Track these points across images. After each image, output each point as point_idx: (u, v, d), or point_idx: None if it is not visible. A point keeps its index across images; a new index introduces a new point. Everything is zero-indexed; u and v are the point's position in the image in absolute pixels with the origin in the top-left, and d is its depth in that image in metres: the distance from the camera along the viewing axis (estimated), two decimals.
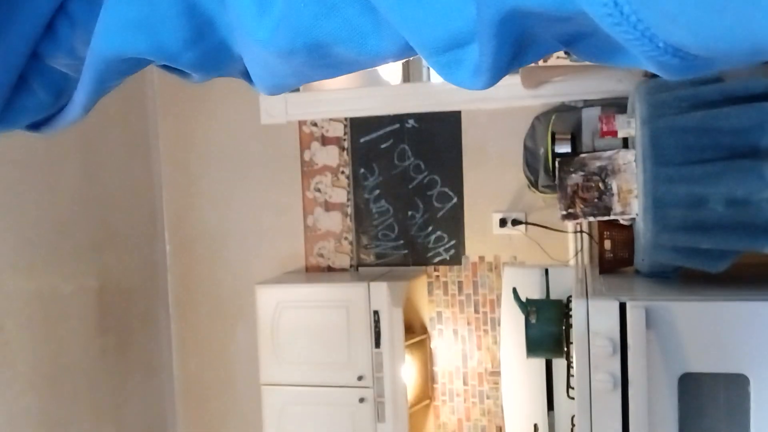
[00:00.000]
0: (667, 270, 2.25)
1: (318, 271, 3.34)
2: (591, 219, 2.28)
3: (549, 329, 2.50)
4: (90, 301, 3.08)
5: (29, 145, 2.81)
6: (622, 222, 2.33)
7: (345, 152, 3.28)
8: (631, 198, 2.17)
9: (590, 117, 2.42)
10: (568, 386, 2.54)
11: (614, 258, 2.45)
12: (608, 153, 2.23)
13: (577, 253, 2.83)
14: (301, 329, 2.93)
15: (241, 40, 0.57)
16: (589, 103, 2.78)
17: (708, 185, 1.97)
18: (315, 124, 3.29)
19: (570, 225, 2.80)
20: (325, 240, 3.33)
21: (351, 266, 3.31)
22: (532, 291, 2.77)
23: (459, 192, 3.15)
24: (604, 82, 2.77)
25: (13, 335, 2.71)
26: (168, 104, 3.49)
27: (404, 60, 0.55)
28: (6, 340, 2.68)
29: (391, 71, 5.74)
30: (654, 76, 2.27)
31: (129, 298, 3.31)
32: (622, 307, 1.99)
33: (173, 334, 3.55)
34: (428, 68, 6.73)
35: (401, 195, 3.22)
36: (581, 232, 2.80)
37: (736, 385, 1.94)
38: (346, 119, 3.26)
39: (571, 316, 2.24)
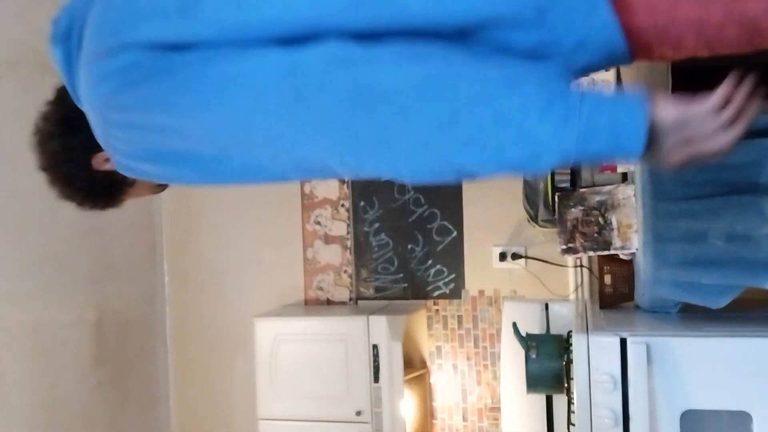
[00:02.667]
0: (668, 305, 2.24)
1: (317, 304, 3.33)
2: (591, 253, 2.28)
3: (549, 364, 2.48)
4: (87, 332, 3.06)
5: (29, 176, 2.82)
6: (622, 257, 2.32)
7: (345, 185, 3.28)
8: (630, 233, 2.17)
9: None
10: (569, 422, 2.51)
11: (614, 293, 2.44)
12: (608, 188, 2.23)
13: (577, 288, 2.82)
14: (299, 363, 2.91)
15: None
16: None
17: (708, 220, 1.97)
18: None
19: (570, 259, 2.79)
20: (325, 273, 3.32)
21: (350, 299, 3.30)
22: (532, 326, 2.75)
23: (459, 226, 3.15)
24: None
25: (10, 367, 2.69)
26: None
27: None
28: (2, 371, 2.66)
29: None
30: None
31: (127, 330, 3.29)
32: (623, 343, 1.98)
33: (171, 367, 3.53)
34: None
35: (401, 228, 3.22)
36: (581, 266, 2.79)
37: (738, 423, 1.92)
38: None
39: (571, 351, 2.22)
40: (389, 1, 0.89)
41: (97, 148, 1.15)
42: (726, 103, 0.86)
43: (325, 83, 0.86)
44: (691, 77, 2.43)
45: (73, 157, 1.20)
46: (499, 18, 0.88)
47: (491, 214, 3.09)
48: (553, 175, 2.53)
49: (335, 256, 3.31)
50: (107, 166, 1.18)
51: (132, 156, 1.08)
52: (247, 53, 0.92)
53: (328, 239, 3.33)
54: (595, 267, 2.63)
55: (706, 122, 0.85)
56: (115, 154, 1.11)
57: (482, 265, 3.12)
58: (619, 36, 0.89)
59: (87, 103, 1.09)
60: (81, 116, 1.13)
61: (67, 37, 1.11)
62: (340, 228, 3.30)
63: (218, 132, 0.97)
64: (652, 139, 0.82)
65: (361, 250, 3.28)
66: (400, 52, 0.87)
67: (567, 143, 0.80)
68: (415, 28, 0.89)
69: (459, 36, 0.89)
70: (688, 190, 2.01)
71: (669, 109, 0.83)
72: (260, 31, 0.93)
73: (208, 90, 0.94)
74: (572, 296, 2.84)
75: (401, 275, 3.23)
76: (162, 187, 1.29)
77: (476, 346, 3.13)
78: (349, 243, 3.29)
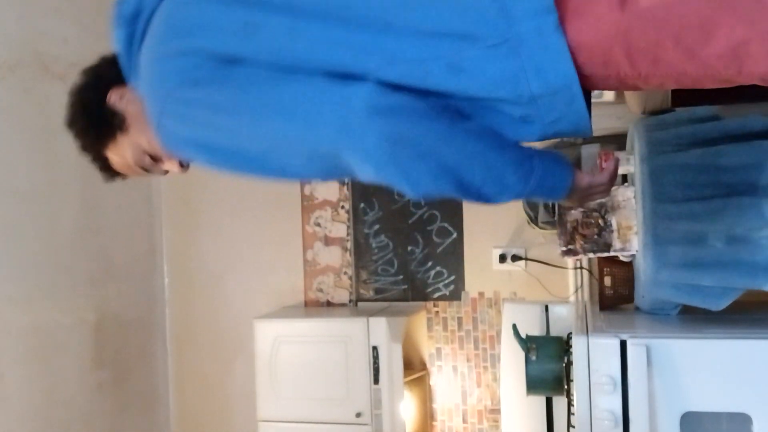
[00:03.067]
0: (668, 307, 2.24)
1: (317, 306, 3.33)
2: (591, 255, 2.28)
3: (549, 366, 2.48)
4: (87, 334, 3.06)
5: (29, 176, 2.82)
6: (622, 258, 2.32)
7: (345, 187, 3.29)
8: (630, 234, 2.17)
9: (589, 153, 2.43)
10: (569, 424, 2.51)
11: (614, 295, 2.44)
12: None
13: (577, 290, 2.82)
14: (299, 364, 2.91)
15: None
16: (588, 140, 2.80)
17: (707, 222, 1.97)
18: None
19: (570, 261, 2.80)
20: (325, 274, 3.33)
21: (350, 301, 3.30)
22: (532, 327, 2.75)
23: (459, 227, 3.15)
24: (603, 119, 2.79)
25: (9, 368, 2.69)
26: None
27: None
28: (1, 372, 2.66)
29: None
30: (653, 113, 2.29)
31: (126, 331, 3.29)
32: (623, 345, 1.98)
33: (170, 369, 3.53)
34: None
35: (401, 230, 3.22)
36: (581, 268, 2.79)
37: (738, 424, 1.92)
38: None
39: (571, 353, 2.22)
40: (417, 66, 1.13)
41: (120, 84, 1.32)
42: (610, 177, 1.34)
43: (368, 125, 1.09)
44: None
45: (98, 84, 1.34)
46: (501, 98, 1.16)
47: (491, 216, 3.09)
48: None
49: (335, 257, 3.31)
50: (119, 104, 1.32)
51: (181, 140, 1.24)
52: (299, 80, 1.14)
53: (328, 241, 3.33)
54: (595, 269, 2.63)
55: (599, 187, 1.33)
56: (164, 136, 1.24)
57: (482, 266, 3.12)
58: (587, 121, 1.23)
59: (147, 89, 1.25)
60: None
61: (133, 21, 1.27)
62: (340, 230, 3.30)
63: (265, 139, 1.18)
64: (569, 193, 1.28)
65: (361, 251, 3.28)
66: (425, 107, 1.13)
67: (523, 190, 1.19)
68: (432, 90, 1.14)
69: (466, 99, 1.16)
70: (688, 192, 2.01)
71: (583, 179, 1.30)
72: (308, 64, 1.14)
73: (263, 106, 1.15)
74: (572, 298, 2.84)
75: (401, 277, 3.23)
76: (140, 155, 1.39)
77: (476, 347, 3.13)
78: (349, 245, 3.29)
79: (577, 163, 2.56)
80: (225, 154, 1.22)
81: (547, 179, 1.22)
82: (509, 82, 1.14)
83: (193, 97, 1.19)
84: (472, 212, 3.12)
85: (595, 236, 2.23)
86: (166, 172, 1.43)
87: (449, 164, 1.13)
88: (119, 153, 1.36)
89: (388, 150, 1.10)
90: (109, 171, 1.41)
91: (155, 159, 1.37)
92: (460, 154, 1.14)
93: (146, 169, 1.40)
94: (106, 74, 1.33)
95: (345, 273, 3.30)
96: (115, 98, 1.32)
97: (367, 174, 1.16)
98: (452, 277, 3.16)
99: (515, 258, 3.03)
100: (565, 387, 2.46)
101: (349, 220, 3.29)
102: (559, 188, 1.26)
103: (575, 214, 2.25)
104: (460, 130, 1.15)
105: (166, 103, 1.21)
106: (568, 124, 1.22)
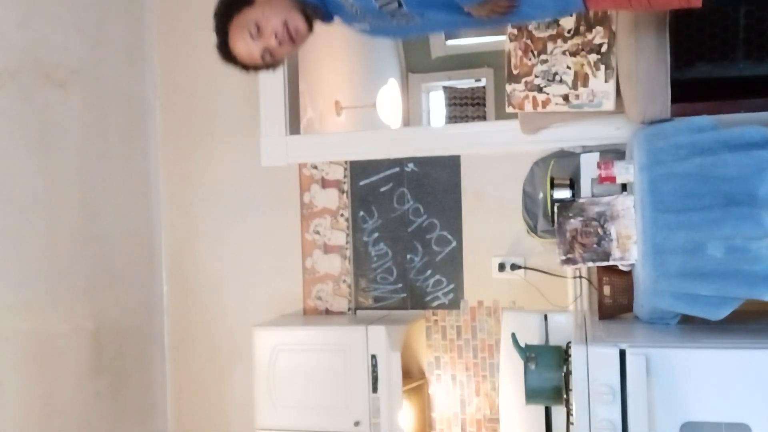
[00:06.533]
0: (667, 317, 2.24)
1: (316, 314, 3.32)
2: (590, 264, 2.28)
3: (548, 376, 2.48)
4: (85, 341, 3.05)
5: (29, 184, 2.82)
6: (621, 268, 2.32)
7: (344, 195, 3.29)
8: (630, 244, 2.17)
9: (589, 163, 2.44)
10: None
11: (613, 304, 2.44)
12: (607, 199, 2.24)
13: (576, 299, 2.82)
14: (297, 373, 2.90)
15: None
16: (587, 149, 2.80)
17: (706, 232, 1.98)
18: (315, 167, 3.31)
19: (569, 270, 2.79)
20: (324, 283, 3.32)
21: (349, 309, 3.30)
22: (531, 336, 2.75)
23: (458, 236, 3.15)
24: (602, 128, 2.80)
25: (7, 375, 2.68)
26: (169, 145, 3.51)
27: None
28: (0, 380, 2.65)
29: (391, 116, 5.78)
30: (653, 123, 2.29)
31: (124, 339, 3.28)
32: (622, 354, 1.98)
33: (168, 377, 3.52)
34: (428, 113, 6.75)
35: (400, 238, 3.22)
36: (580, 277, 2.79)
37: None
38: (346, 162, 3.28)
39: (570, 362, 2.22)
40: None
41: None
42: None
43: None
44: (688, 89, 2.44)
45: None
46: None
47: (490, 225, 3.09)
48: (552, 185, 2.54)
49: (334, 265, 3.31)
50: None
51: None
52: None
53: (327, 249, 3.33)
54: (595, 278, 2.63)
55: None
56: None
57: (481, 275, 3.12)
58: None
59: None
60: None
61: None
62: (340, 238, 3.30)
63: None
64: None
65: (360, 259, 3.28)
66: None
67: None
68: None
69: None
70: (687, 202, 2.01)
71: None
72: None
73: None
74: (571, 307, 2.84)
75: (400, 285, 3.23)
76: None
77: (475, 356, 3.13)
78: (348, 253, 3.29)
79: (576, 172, 2.56)
80: None
81: None
82: None
83: None
84: (472, 221, 3.12)
85: (595, 245, 2.23)
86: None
87: None
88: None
89: None
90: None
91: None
92: None
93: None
94: None
95: (344, 281, 3.30)
96: None
97: None
98: (451, 286, 3.16)
99: (514, 267, 3.03)
100: (565, 396, 2.45)
101: (348, 228, 3.29)
102: None
103: (574, 223, 2.25)
104: None
105: None
106: None
